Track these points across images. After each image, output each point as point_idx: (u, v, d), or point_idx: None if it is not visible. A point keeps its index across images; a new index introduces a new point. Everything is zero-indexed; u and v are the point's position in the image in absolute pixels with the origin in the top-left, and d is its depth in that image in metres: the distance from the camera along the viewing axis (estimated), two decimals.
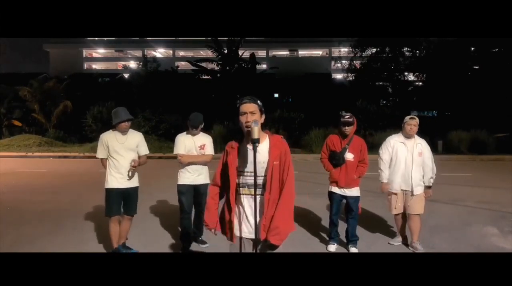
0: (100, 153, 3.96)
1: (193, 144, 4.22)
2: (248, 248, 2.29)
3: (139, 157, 4.04)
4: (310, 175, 5.10)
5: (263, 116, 2.26)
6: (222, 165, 2.36)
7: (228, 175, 2.26)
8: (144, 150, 4.09)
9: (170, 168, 6.48)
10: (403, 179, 4.17)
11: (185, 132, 4.31)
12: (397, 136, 4.28)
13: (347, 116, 4.07)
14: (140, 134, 4.15)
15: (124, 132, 3.93)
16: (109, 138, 3.91)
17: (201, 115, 4.25)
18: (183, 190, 4.22)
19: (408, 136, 4.18)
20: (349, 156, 4.11)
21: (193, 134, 4.24)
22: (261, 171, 2.20)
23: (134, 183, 4.01)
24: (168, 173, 5.77)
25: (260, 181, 2.21)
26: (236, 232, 2.28)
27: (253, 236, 2.24)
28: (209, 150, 4.32)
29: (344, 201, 4.25)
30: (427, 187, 4.21)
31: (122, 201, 3.99)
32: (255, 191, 2.17)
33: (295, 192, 2.27)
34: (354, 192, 4.16)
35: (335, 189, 4.20)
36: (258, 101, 2.22)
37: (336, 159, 4.14)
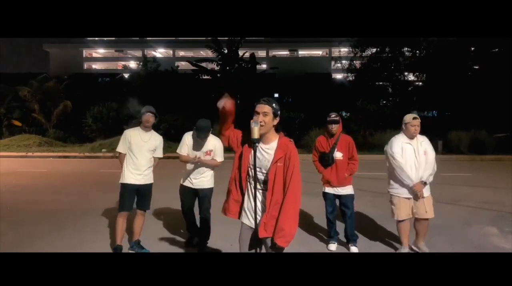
0: (121, 147, 4.00)
1: (200, 147, 3.97)
2: (246, 235, 2.42)
3: (154, 159, 4.12)
4: (309, 175, 5.06)
5: (277, 119, 2.33)
6: (238, 159, 2.44)
7: (241, 166, 2.40)
8: (159, 153, 4.15)
9: (170, 168, 6.48)
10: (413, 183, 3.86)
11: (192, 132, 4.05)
12: (401, 137, 3.98)
13: (333, 115, 4.16)
14: (161, 138, 4.19)
15: (147, 128, 3.99)
16: (133, 135, 3.98)
17: (209, 121, 3.91)
18: (181, 190, 4.21)
19: (412, 137, 3.93)
20: (338, 155, 4.16)
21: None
22: (265, 167, 2.32)
23: (149, 180, 4.10)
24: (168, 173, 5.76)
25: (262, 177, 2.34)
26: (242, 218, 2.44)
27: (252, 226, 2.36)
28: (218, 156, 4.02)
29: (338, 200, 4.28)
30: (422, 182, 3.83)
31: (136, 197, 4.05)
32: (255, 186, 2.31)
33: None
34: (347, 190, 4.21)
35: (328, 189, 4.25)
36: (274, 104, 2.30)
37: (325, 160, 4.20)
